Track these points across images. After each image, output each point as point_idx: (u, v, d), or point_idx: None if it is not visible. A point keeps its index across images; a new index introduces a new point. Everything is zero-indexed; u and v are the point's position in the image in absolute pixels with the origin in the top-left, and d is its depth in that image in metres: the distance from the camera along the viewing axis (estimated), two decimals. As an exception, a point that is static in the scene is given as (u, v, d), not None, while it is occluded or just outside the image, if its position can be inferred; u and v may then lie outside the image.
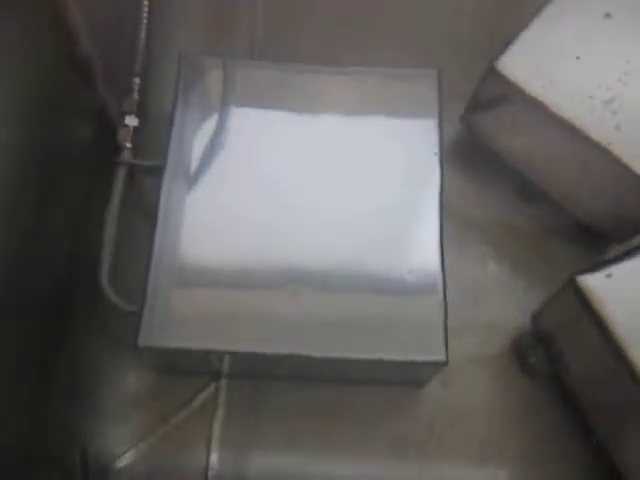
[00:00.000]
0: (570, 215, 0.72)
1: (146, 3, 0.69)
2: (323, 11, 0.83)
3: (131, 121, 0.68)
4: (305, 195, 0.64)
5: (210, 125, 0.66)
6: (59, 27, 0.57)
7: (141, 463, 0.64)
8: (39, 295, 0.60)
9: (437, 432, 0.66)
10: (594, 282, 0.58)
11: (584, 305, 0.57)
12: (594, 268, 0.58)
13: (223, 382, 0.67)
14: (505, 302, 0.71)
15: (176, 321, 0.58)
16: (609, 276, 0.58)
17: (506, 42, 0.65)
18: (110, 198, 0.65)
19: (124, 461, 0.64)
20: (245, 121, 0.67)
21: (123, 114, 0.68)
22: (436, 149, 0.66)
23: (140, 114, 0.69)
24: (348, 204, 0.64)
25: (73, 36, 0.58)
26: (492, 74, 0.65)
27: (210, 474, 0.64)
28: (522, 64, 0.64)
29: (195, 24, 0.81)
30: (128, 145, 0.68)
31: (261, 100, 0.68)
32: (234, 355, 0.60)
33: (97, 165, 0.68)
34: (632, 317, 0.56)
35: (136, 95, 0.69)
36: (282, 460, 0.65)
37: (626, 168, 0.61)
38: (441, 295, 0.60)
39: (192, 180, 0.64)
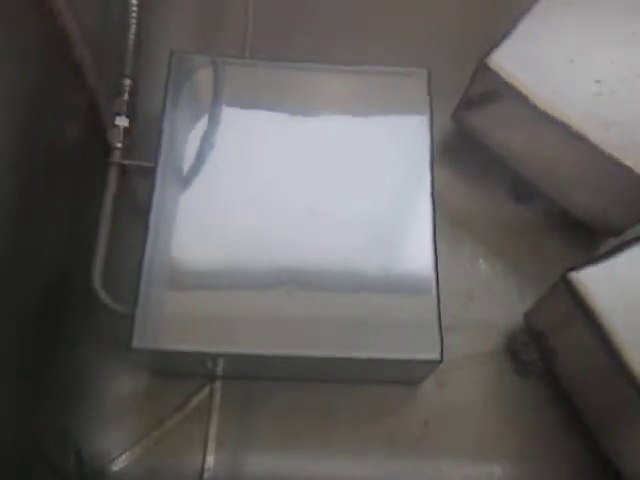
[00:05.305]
0: (563, 212, 0.72)
1: (135, 2, 0.68)
2: (313, 9, 0.82)
3: (121, 121, 0.67)
4: (298, 194, 0.64)
5: (201, 124, 0.65)
6: (50, 27, 0.56)
7: (136, 466, 0.63)
8: (32, 297, 0.60)
9: (432, 430, 0.66)
10: (586, 278, 0.57)
11: (576, 301, 0.57)
12: (586, 264, 0.58)
13: (218, 383, 0.66)
14: (498, 300, 0.71)
15: (170, 323, 0.58)
16: (601, 272, 0.57)
17: (497, 39, 0.65)
18: (102, 199, 0.65)
19: (119, 464, 0.63)
20: (236, 120, 0.66)
21: (113, 114, 0.68)
22: (427, 147, 0.66)
23: (130, 114, 0.68)
24: (340, 203, 0.63)
25: (64, 36, 0.58)
26: (483, 71, 0.65)
27: (206, 476, 0.63)
28: (513, 61, 0.64)
29: (185, 22, 0.81)
30: (119, 145, 0.67)
31: (252, 98, 0.67)
32: (229, 357, 0.60)
33: (88, 166, 0.67)
34: (625, 313, 0.56)
35: (126, 95, 0.68)
36: (278, 461, 0.64)
37: (618, 164, 0.61)
38: (434, 294, 0.60)
39: (184, 180, 0.63)
